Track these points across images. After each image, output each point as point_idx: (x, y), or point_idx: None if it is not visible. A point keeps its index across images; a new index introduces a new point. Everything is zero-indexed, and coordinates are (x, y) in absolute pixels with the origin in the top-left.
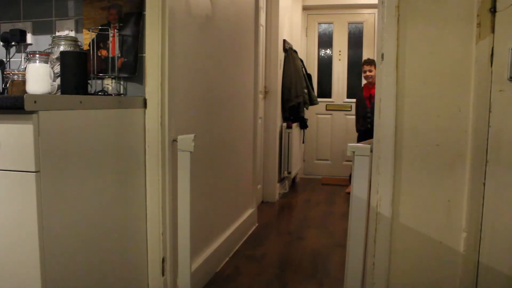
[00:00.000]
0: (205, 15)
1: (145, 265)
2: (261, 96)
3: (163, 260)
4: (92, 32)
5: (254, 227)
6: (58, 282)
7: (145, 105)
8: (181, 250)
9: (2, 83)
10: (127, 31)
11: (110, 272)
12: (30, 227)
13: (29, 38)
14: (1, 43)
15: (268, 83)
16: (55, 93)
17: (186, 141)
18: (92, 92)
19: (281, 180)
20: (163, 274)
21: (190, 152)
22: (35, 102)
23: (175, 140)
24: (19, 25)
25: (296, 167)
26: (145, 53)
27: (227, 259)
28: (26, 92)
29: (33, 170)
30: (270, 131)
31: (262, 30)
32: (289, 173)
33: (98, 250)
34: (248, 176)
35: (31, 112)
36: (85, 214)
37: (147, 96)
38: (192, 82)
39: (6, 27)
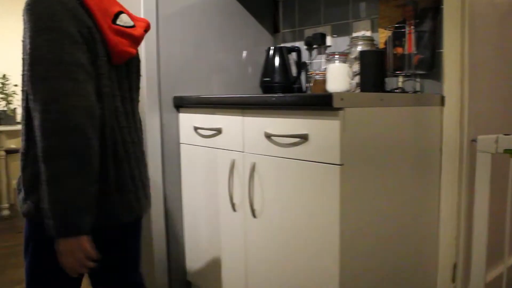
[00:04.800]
0: (508, 2)
1: (434, 269)
2: None
3: (455, 266)
4: (387, 30)
5: None
6: (352, 276)
7: (442, 103)
8: (475, 258)
9: (306, 83)
10: (423, 27)
11: (400, 274)
12: (332, 217)
13: (329, 40)
14: (305, 47)
15: None
16: (353, 91)
17: (486, 141)
18: (388, 89)
19: None
20: (453, 281)
21: (491, 154)
22: (341, 99)
23: (474, 140)
24: (320, 29)
25: None
26: (442, 49)
27: None
28: (326, 91)
29: (338, 163)
30: None
31: None
32: None
33: (390, 251)
34: None
35: (338, 109)
36: (380, 211)
37: (444, 94)
38: (495, 78)
39: (309, 32)
